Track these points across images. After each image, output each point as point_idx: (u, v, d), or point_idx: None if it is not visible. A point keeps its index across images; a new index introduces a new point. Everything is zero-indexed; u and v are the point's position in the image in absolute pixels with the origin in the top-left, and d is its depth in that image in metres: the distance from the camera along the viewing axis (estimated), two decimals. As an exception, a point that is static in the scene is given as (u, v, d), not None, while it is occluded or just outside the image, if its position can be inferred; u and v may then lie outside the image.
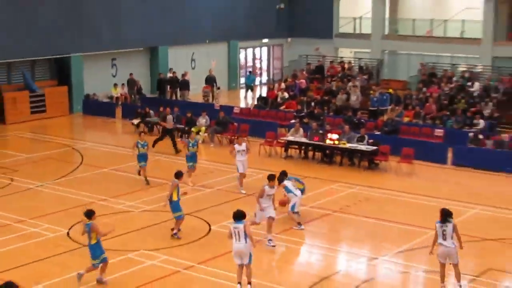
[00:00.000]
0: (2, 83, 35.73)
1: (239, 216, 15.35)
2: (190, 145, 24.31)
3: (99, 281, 15.97)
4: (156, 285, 16.05)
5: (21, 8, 34.98)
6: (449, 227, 15.16)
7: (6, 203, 22.31)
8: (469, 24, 43.16)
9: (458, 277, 15.39)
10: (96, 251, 15.77)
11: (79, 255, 17.82)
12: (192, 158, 24.31)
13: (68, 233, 19.45)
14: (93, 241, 15.69)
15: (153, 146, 28.96)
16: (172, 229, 19.17)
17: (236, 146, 23.66)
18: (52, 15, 36.17)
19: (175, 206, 18.94)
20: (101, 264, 15.92)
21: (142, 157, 24.30)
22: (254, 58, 49.41)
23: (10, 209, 21.59)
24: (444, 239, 15.16)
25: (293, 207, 19.82)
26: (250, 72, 47.31)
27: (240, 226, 15.17)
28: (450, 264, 15.37)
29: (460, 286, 15.45)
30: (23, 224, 20.19)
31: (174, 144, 29.38)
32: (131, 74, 40.24)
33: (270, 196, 18.58)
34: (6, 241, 18.84)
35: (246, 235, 15.10)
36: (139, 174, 24.81)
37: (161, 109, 33.27)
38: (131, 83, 40.06)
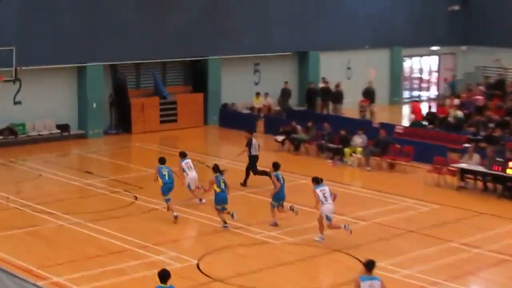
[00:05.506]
0: (130, 87, 36.33)
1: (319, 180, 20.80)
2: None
3: None
4: None
5: (155, 8, 35.65)
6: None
7: (128, 223, 22.48)
8: None
9: None
10: None
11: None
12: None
13: (198, 265, 19.18)
14: None
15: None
16: None
17: None
18: (188, 14, 36.64)
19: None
20: None
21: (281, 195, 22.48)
22: (421, 69, 48.56)
23: (132, 230, 21.71)
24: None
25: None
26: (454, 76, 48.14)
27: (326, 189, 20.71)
28: None
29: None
30: (145, 250, 20.16)
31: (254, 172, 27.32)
32: (286, 82, 40.44)
33: None
34: (129, 268, 18.84)
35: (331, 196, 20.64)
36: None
37: (310, 124, 32.96)
38: (286, 93, 40.02)
